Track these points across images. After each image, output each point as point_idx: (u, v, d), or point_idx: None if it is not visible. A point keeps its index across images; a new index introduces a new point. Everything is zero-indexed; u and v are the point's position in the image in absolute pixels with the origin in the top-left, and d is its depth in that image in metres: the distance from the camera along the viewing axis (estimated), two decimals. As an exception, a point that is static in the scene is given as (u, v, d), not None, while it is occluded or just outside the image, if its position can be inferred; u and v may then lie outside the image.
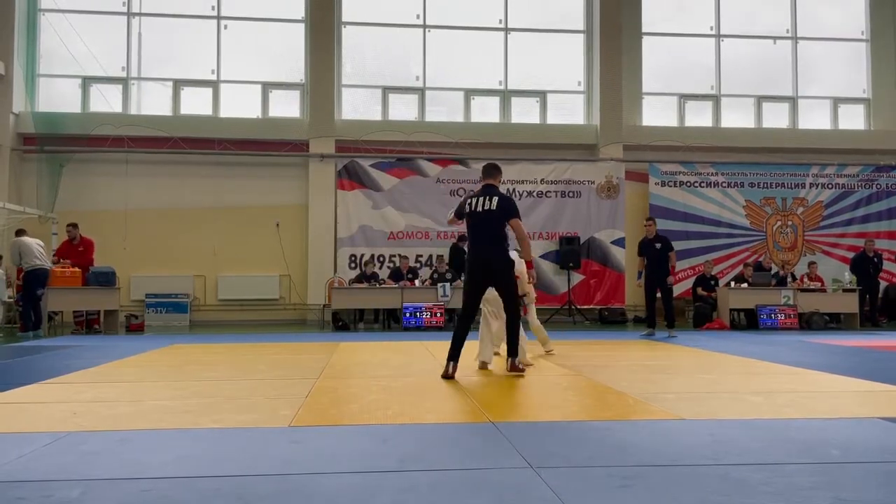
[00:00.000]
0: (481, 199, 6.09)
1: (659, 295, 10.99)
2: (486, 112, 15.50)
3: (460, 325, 6.10)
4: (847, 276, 13.49)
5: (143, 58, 14.79)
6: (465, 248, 13.41)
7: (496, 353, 6.84)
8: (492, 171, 6.31)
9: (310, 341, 9.95)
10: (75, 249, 12.05)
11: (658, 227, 11.47)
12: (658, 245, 10.91)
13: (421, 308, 12.30)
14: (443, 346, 8.79)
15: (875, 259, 13.74)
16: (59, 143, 14.02)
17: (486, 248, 6.03)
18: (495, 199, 6.05)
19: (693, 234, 15.02)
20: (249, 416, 4.23)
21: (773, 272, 13.93)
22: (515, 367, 6.00)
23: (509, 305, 6.08)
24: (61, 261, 11.77)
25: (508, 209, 6.06)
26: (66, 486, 2.76)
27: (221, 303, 14.30)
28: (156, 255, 14.05)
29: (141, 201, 14.19)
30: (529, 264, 6.25)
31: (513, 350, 6.07)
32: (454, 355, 5.89)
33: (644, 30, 15.64)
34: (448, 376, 5.74)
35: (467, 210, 6.12)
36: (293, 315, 14.38)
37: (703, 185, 15.31)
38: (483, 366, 6.52)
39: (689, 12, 16.04)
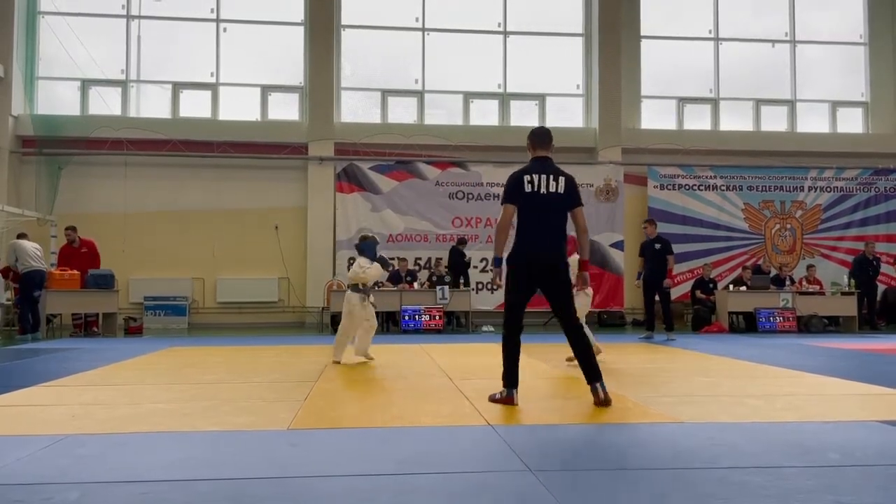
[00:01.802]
0: (544, 177, 4.74)
1: (658, 298, 10.97)
2: (485, 115, 15.51)
3: (511, 339, 4.72)
4: (845, 280, 13.49)
5: (143, 61, 14.79)
6: (464, 251, 13.68)
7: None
8: (546, 139, 4.92)
9: (308, 344, 9.93)
10: (77, 252, 12.00)
11: (657, 229, 11.38)
12: (657, 246, 10.84)
13: (419, 311, 12.31)
14: (441, 348, 8.83)
15: (874, 262, 13.75)
16: (58, 146, 14.01)
17: (550, 243, 4.70)
18: (562, 179, 4.77)
19: (692, 238, 15.03)
20: (248, 418, 4.23)
21: (771, 275, 13.93)
22: (606, 396, 4.55)
23: (572, 317, 4.73)
24: (57, 266, 11.76)
25: (578, 195, 4.84)
26: (65, 489, 2.76)
27: (220, 305, 14.28)
28: (154, 257, 14.04)
29: (140, 204, 14.18)
30: (585, 264, 5.00)
31: (596, 373, 4.61)
32: (515, 380, 4.68)
33: (643, 33, 15.66)
34: (515, 403, 4.62)
35: (527, 190, 4.71)
36: (292, 318, 14.37)
37: (701, 188, 15.33)
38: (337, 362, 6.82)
39: (688, 16, 16.07)
